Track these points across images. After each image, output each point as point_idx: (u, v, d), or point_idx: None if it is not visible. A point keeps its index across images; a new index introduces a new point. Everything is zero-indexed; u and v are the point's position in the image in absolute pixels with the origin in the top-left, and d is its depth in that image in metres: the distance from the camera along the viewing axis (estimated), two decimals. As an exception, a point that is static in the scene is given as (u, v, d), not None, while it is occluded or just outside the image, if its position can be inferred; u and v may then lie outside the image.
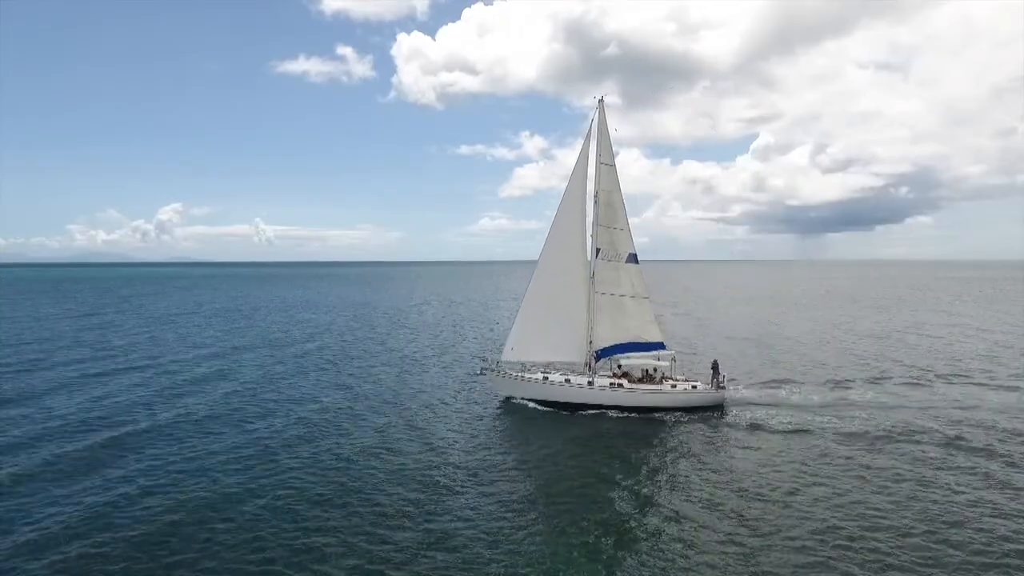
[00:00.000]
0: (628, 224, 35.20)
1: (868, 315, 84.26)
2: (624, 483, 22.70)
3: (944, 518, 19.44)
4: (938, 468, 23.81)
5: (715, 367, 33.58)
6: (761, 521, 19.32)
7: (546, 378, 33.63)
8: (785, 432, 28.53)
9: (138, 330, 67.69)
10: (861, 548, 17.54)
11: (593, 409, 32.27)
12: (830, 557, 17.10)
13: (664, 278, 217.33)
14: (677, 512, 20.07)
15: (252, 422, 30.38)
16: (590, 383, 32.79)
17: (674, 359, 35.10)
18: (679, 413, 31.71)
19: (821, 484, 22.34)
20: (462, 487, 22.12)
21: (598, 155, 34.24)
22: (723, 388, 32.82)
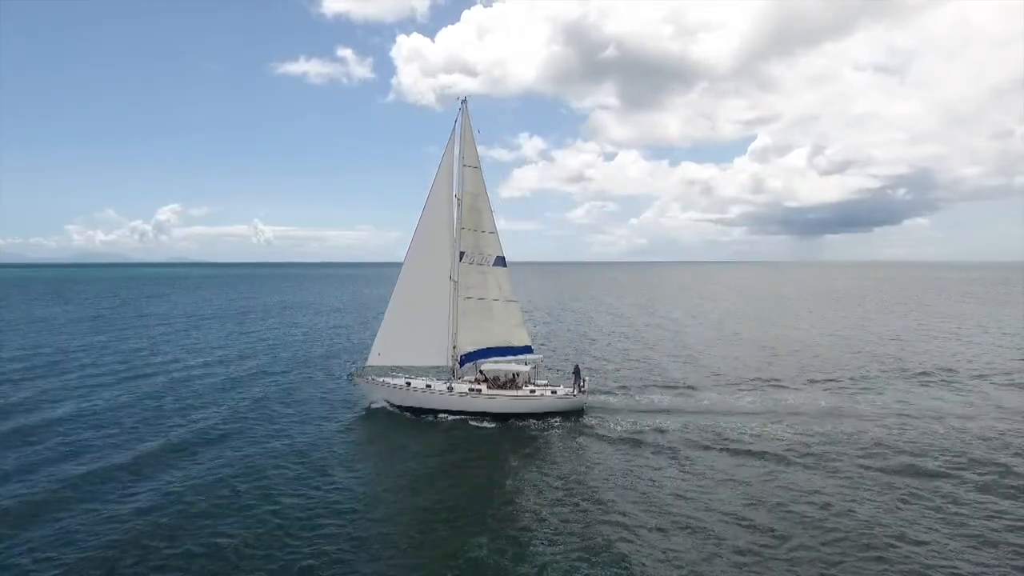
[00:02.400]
0: (496, 227, 34.75)
1: (808, 317, 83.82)
2: (459, 493, 22.15)
3: (785, 520, 19.67)
4: (794, 473, 23.67)
5: (576, 372, 33.11)
6: (602, 526, 19.23)
7: (408, 383, 33.20)
8: (634, 436, 28.18)
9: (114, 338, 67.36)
10: (713, 550, 17.67)
11: (453, 415, 31.87)
12: (678, 556, 17.21)
13: (648, 280, 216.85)
14: (515, 521, 19.84)
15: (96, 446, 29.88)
16: (449, 388, 32.35)
17: (535, 365, 34.65)
18: (537, 418, 31.31)
19: (661, 487, 22.25)
20: (301, 500, 21.30)
21: (461, 158, 33.76)
22: (583, 393, 32.34)
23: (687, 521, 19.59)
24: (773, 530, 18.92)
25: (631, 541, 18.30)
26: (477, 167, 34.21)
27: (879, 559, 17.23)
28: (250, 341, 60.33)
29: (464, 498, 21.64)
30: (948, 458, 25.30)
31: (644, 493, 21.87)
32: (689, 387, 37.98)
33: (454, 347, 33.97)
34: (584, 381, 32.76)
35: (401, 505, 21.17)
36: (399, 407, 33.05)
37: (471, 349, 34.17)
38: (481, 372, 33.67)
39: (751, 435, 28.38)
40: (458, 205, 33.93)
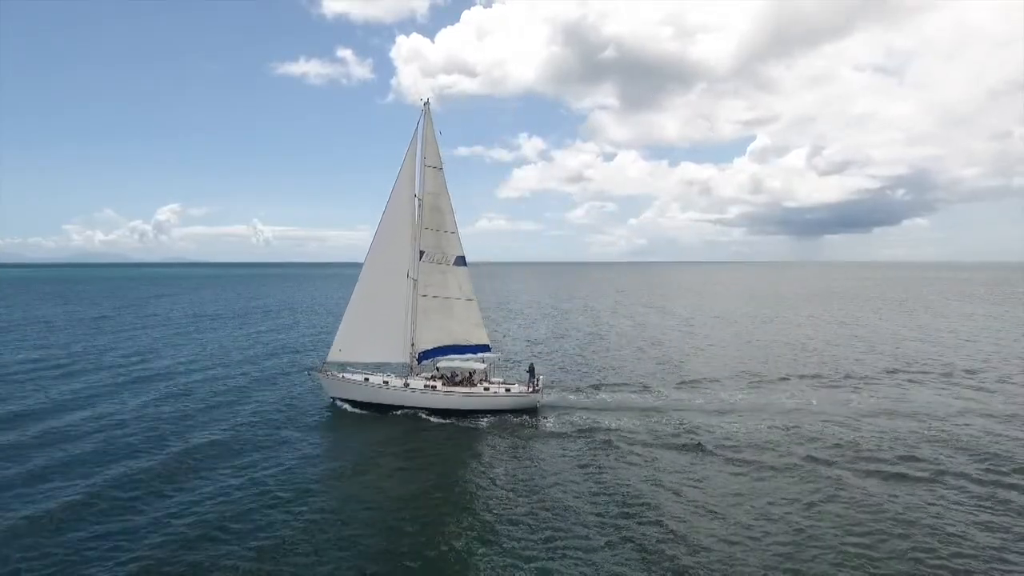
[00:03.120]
0: (457, 227, 35.28)
1: (778, 318, 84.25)
2: (412, 490, 22.39)
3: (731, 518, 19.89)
4: (741, 472, 23.92)
5: (531, 370, 33.63)
6: (546, 525, 19.42)
7: (367, 379, 33.72)
8: (585, 434, 28.70)
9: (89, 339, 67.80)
10: (645, 547, 17.82)
11: (409, 411, 32.40)
12: (613, 554, 17.42)
13: (643, 280, 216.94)
14: (470, 516, 20.16)
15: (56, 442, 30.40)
16: (406, 385, 32.88)
17: (492, 363, 35.19)
18: (492, 415, 31.83)
19: (607, 484, 22.61)
20: (256, 497, 21.50)
21: (423, 158, 34.27)
22: (538, 391, 32.84)
23: (629, 515, 19.97)
24: (728, 523, 19.19)
25: (573, 537, 18.51)
26: (439, 168, 34.74)
27: (824, 547, 17.81)
28: (236, 341, 60.82)
29: (416, 495, 21.87)
30: (868, 453, 25.85)
31: (590, 489, 22.21)
32: (644, 386, 38.51)
33: (412, 344, 34.50)
34: (538, 379, 33.25)
35: (353, 502, 21.23)
36: (357, 402, 33.57)
37: (430, 346, 34.70)
38: (438, 369, 34.19)
39: (701, 432, 28.85)
40: (419, 205, 34.47)
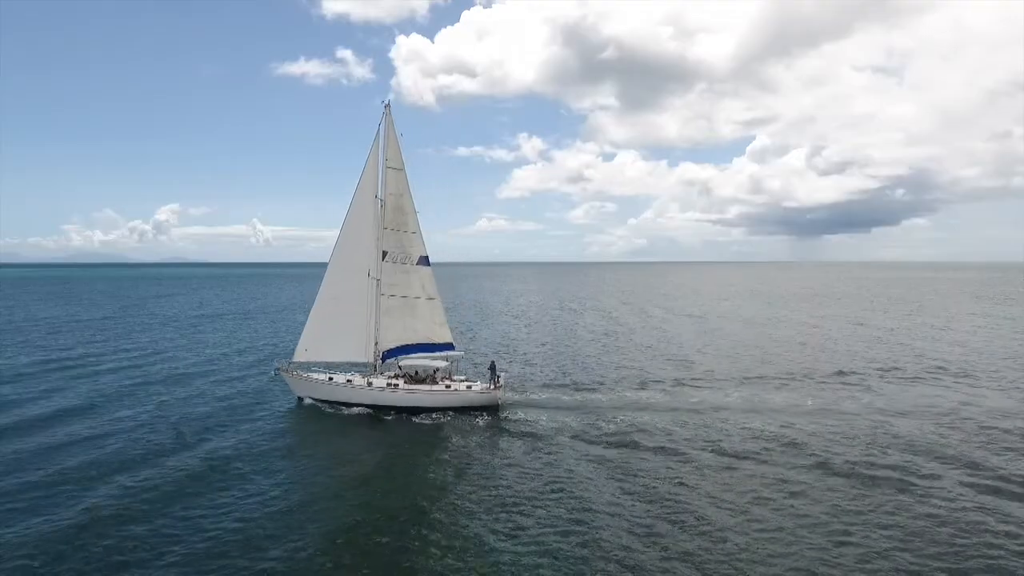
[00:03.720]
0: (420, 227, 35.79)
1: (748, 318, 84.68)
2: (371, 489, 22.66)
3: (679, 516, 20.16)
4: (704, 472, 24.16)
5: (492, 368, 34.10)
6: (499, 523, 19.64)
7: (331, 378, 34.17)
8: (545, 432, 29.08)
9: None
10: (603, 547, 17.95)
11: (372, 409, 32.85)
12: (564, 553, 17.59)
13: (638, 280, 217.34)
14: (423, 514, 20.42)
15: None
16: (368, 383, 33.32)
17: (455, 361, 35.67)
18: (453, 412, 32.27)
19: (561, 484, 22.84)
20: (221, 492, 21.94)
21: (384, 159, 34.72)
22: (499, 389, 33.27)
23: (584, 512, 20.25)
24: (687, 524, 19.38)
25: (530, 533, 18.77)
26: (401, 169, 35.23)
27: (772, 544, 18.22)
28: (218, 341, 61.33)
29: (368, 489, 22.33)
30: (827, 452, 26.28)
31: (546, 487, 22.49)
32: (611, 385, 39.03)
33: (376, 343, 34.94)
34: (500, 377, 33.69)
35: (315, 502, 21.45)
36: (321, 401, 34.03)
37: (393, 345, 35.17)
38: (400, 367, 34.64)
39: (657, 431, 29.23)
40: (381, 206, 34.91)
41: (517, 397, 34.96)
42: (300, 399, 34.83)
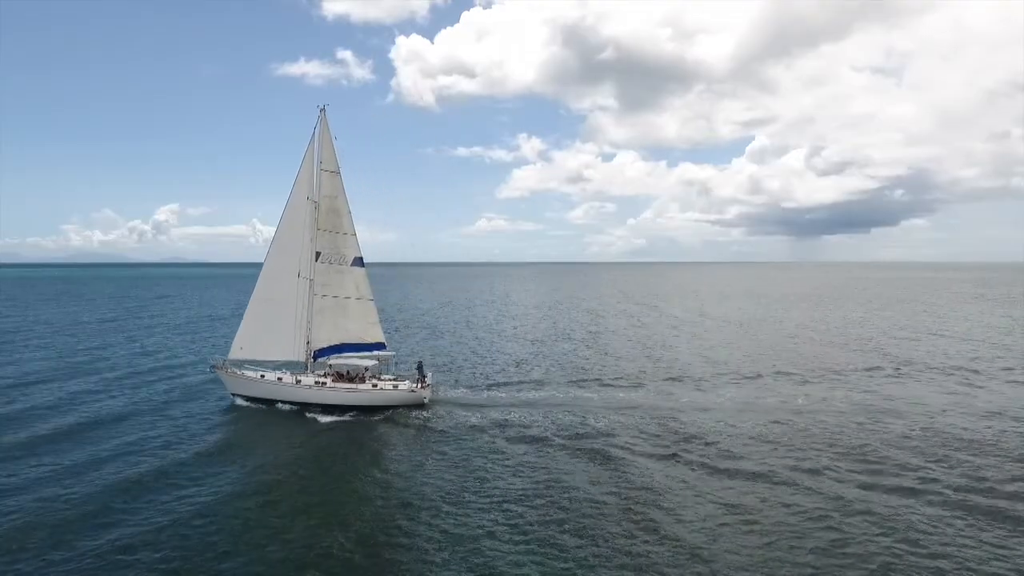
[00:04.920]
0: (355, 229, 36.17)
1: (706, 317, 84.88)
2: (292, 485, 23.24)
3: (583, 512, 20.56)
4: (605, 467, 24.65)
5: (420, 367, 34.55)
6: (408, 520, 20.02)
7: (262, 376, 34.58)
8: (469, 429, 29.67)
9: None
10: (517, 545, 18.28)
11: (300, 406, 33.30)
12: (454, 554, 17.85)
13: (633, 280, 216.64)
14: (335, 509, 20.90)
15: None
16: (297, 381, 33.74)
17: (385, 360, 36.07)
18: (380, 410, 32.71)
19: (482, 478, 23.41)
20: (152, 491, 22.26)
21: (319, 162, 35.10)
22: (425, 387, 33.68)
23: (495, 507, 20.76)
24: (611, 519, 19.85)
25: (448, 529, 19.16)
26: (336, 172, 35.67)
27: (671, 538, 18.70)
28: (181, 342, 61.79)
29: (290, 489, 22.75)
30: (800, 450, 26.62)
31: (465, 483, 22.99)
32: (541, 382, 39.77)
33: (308, 342, 35.33)
34: (426, 376, 34.11)
35: (237, 498, 21.83)
36: (253, 398, 34.46)
37: (325, 344, 35.59)
38: (330, 366, 35.04)
39: (579, 429, 29.78)
40: (315, 208, 35.28)
41: (449, 395, 35.35)
42: (234, 396, 35.20)
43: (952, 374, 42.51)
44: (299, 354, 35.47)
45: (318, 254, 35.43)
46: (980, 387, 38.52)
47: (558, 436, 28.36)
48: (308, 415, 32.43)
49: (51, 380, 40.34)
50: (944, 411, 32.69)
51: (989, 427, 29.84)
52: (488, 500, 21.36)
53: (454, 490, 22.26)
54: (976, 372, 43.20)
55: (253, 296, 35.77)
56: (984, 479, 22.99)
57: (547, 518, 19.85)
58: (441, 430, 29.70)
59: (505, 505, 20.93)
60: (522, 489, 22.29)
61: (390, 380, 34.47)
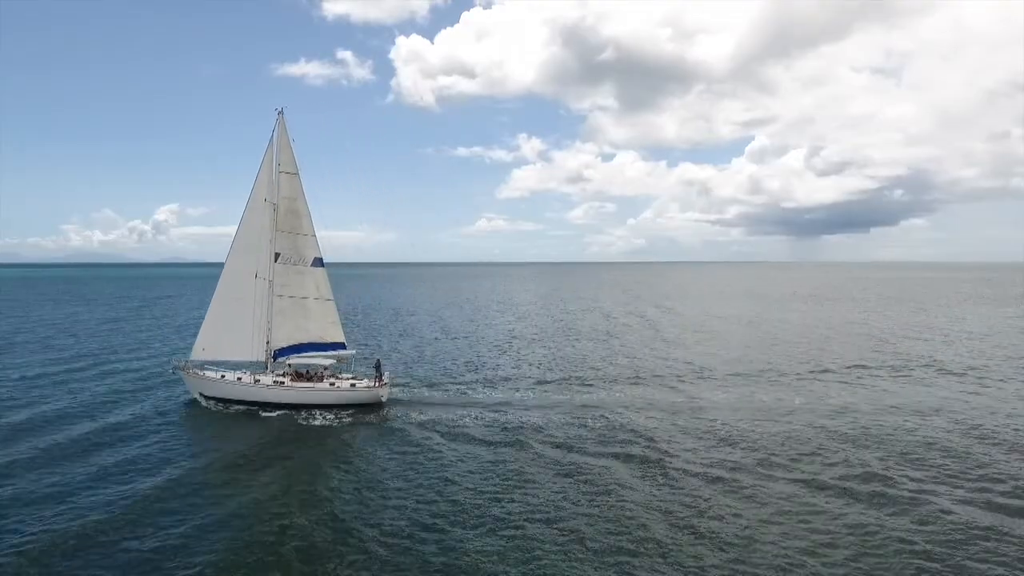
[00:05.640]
0: (315, 230, 36.60)
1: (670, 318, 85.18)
2: (257, 480, 23.67)
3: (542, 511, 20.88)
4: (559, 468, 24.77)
5: (377, 366, 34.98)
6: (354, 519, 20.25)
7: (223, 376, 35.00)
8: (424, 428, 30.01)
9: None
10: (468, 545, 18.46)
11: (259, 406, 33.71)
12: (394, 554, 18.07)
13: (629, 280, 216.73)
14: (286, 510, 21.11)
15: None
16: (256, 381, 34.17)
17: (345, 360, 36.47)
18: (336, 409, 33.13)
19: (431, 477, 23.72)
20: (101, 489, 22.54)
21: (278, 165, 35.51)
22: (383, 386, 34.10)
23: (452, 502, 21.19)
24: (563, 517, 20.12)
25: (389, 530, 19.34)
26: (295, 173, 36.10)
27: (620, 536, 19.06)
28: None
29: (237, 488, 22.99)
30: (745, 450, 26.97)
31: (416, 479, 23.48)
32: (500, 382, 40.14)
33: (267, 342, 35.75)
34: (384, 375, 34.55)
35: (177, 498, 21.96)
36: (213, 398, 34.88)
37: (285, 344, 36.02)
38: (290, 366, 35.44)
39: (530, 427, 30.20)
40: (274, 209, 35.69)
41: (407, 394, 35.79)
42: (195, 395, 35.61)
43: (952, 374, 42.82)
44: (259, 354, 35.88)
45: (277, 255, 35.85)
46: (984, 387, 38.80)
47: (513, 434, 28.73)
48: (264, 415, 32.84)
49: (19, 373, 40.79)
50: (943, 412, 32.85)
51: (990, 425, 30.27)
52: (434, 497, 21.73)
53: (403, 488, 22.60)
54: (979, 372, 43.46)
55: (214, 296, 36.18)
56: (999, 478, 23.24)
57: (497, 514, 20.17)
58: (395, 429, 30.06)
59: (453, 500, 21.36)
60: (471, 487, 22.59)
61: (348, 379, 34.88)
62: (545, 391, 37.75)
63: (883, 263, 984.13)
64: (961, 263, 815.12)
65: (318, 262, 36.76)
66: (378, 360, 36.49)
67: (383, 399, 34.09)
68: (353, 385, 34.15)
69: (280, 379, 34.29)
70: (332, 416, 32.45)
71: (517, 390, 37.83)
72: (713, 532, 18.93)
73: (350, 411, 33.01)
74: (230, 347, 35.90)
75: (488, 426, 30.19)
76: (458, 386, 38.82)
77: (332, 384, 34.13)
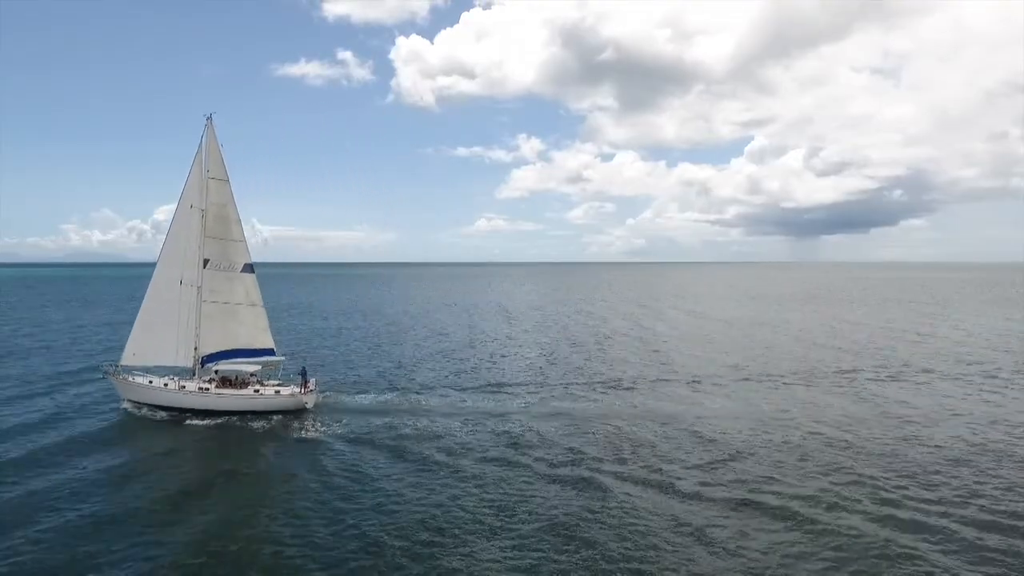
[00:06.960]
0: (244, 236, 36.49)
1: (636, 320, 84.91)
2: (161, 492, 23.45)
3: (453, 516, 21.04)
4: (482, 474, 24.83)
5: (303, 372, 34.94)
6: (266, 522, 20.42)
7: (150, 382, 34.96)
8: (346, 435, 30.01)
9: None
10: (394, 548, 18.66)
11: (186, 412, 33.70)
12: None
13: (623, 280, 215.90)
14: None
15: None
16: (182, 387, 34.12)
17: (271, 366, 36.35)
18: (260, 416, 33.09)
19: (348, 485, 23.71)
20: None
21: (207, 171, 35.43)
22: (307, 393, 34.05)
23: (361, 514, 21.11)
24: (482, 522, 20.22)
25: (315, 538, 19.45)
26: (225, 180, 36.03)
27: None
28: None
29: (152, 497, 22.82)
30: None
31: (327, 483, 23.62)
32: (427, 387, 40.09)
33: (196, 348, 35.67)
34: (309, 382, 34.49)
35: (94, 506, 21.87)
36: (140, 403, 34.89)
37: (213, 350, 35.89)
38: (216, 372, 35.36)
39: (455, 434, 30.21)
40: (201, 215, 35.60)
41: (342, 401, 35.83)
42: (125, 402, 35.57)
43: (953, 376, 42.68)
44: (187, 360, 35.81)
45: (206, 261, 35.75)
46: (981, 387, 38.86)
47: (458, 443, 28.63)
48: (188, 421, 32.77)
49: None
50: (941, 416, 32.78)
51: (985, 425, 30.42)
52: (356, 507, 21.61)
53: (319, 498, 22.46)
54: (982, 374, 43.35)
55: (144, 302, 36.09)
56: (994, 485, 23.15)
57: (414, 525, 20.08)
58: (316, 437, 29.98)
59: (372, 510, 21.27)
60: (395, 496, 22.52)
61: (273, 385, 34.83)
62: (488, 396, 37.63)
63: (883, 263, 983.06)
64: (961, 263, 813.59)
65: (248, 268, 36.66)
66: (303, 367, 36.41)
67: (308, 406, 34.04)
68: (278, 391, 34.10)
69: (205, 385, 34.24)
70: (254, 423, 32.29)
71: (462, 395, 37.76)
72: (706, 538, 18.93)
73: (275, 417, 32.96)
74: (158, 352, 35.77)
75: (416, 432, 30.09)
76: (392, 392, 38.64)
77: (257, 391, 34.08)
